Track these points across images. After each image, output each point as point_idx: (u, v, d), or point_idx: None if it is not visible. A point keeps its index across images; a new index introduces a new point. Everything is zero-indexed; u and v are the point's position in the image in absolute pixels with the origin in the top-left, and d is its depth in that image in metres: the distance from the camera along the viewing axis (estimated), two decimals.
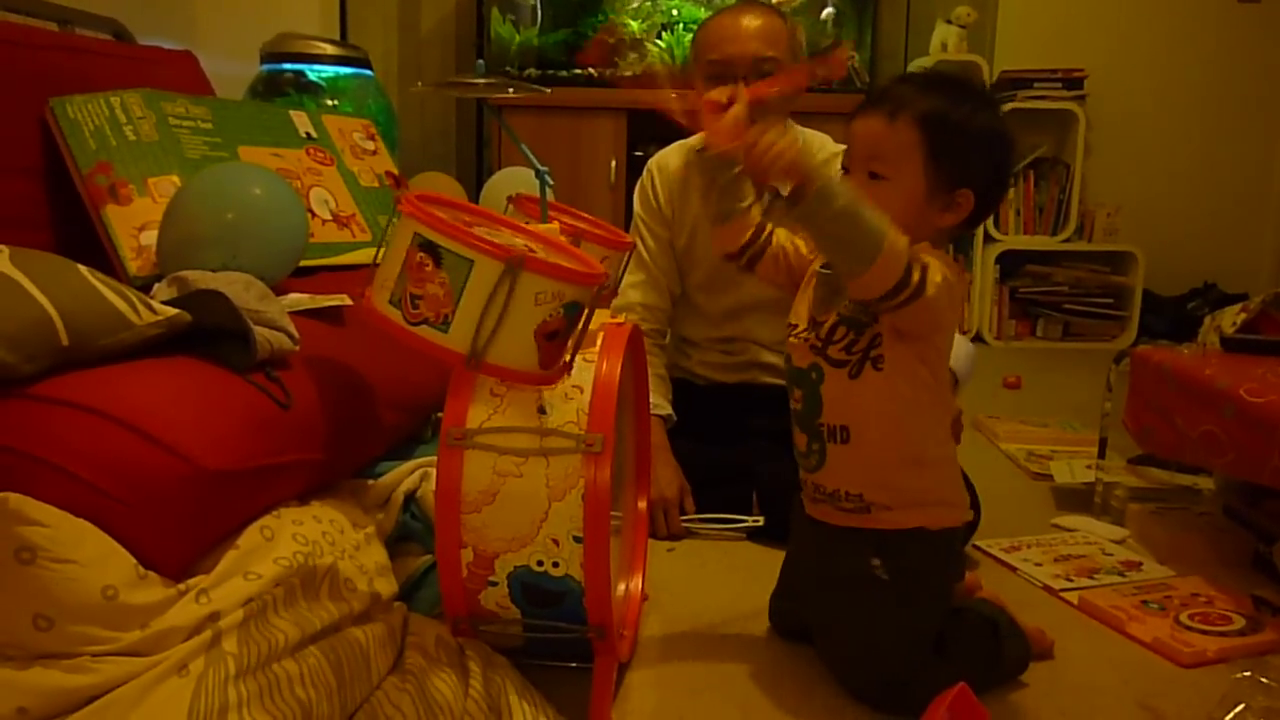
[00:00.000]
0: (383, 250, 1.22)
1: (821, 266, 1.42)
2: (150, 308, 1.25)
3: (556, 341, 1.22)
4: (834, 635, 1.43)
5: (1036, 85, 4.27)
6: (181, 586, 1.12)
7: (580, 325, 1.25)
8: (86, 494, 1.08)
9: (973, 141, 1.33)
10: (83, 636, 1.04)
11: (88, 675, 1.02)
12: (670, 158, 2.17)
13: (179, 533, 1.14)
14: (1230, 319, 2.23)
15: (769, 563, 1.77)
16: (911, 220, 1.29)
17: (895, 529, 1.37)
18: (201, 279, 1.46)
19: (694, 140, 2.14)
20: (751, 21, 1.94)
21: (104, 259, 1.71)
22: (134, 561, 1.09)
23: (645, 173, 2.18)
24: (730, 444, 2.09)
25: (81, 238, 1.75)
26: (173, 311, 1.27)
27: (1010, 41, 4.43)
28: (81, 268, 1.23)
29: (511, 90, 1.58)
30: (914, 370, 1.34)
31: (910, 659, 1.36)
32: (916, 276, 1.23)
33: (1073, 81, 4.28)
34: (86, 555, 1.05)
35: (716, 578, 1.80)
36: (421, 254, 1.16)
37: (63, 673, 1.02)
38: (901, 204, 1.30)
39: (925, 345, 1.34)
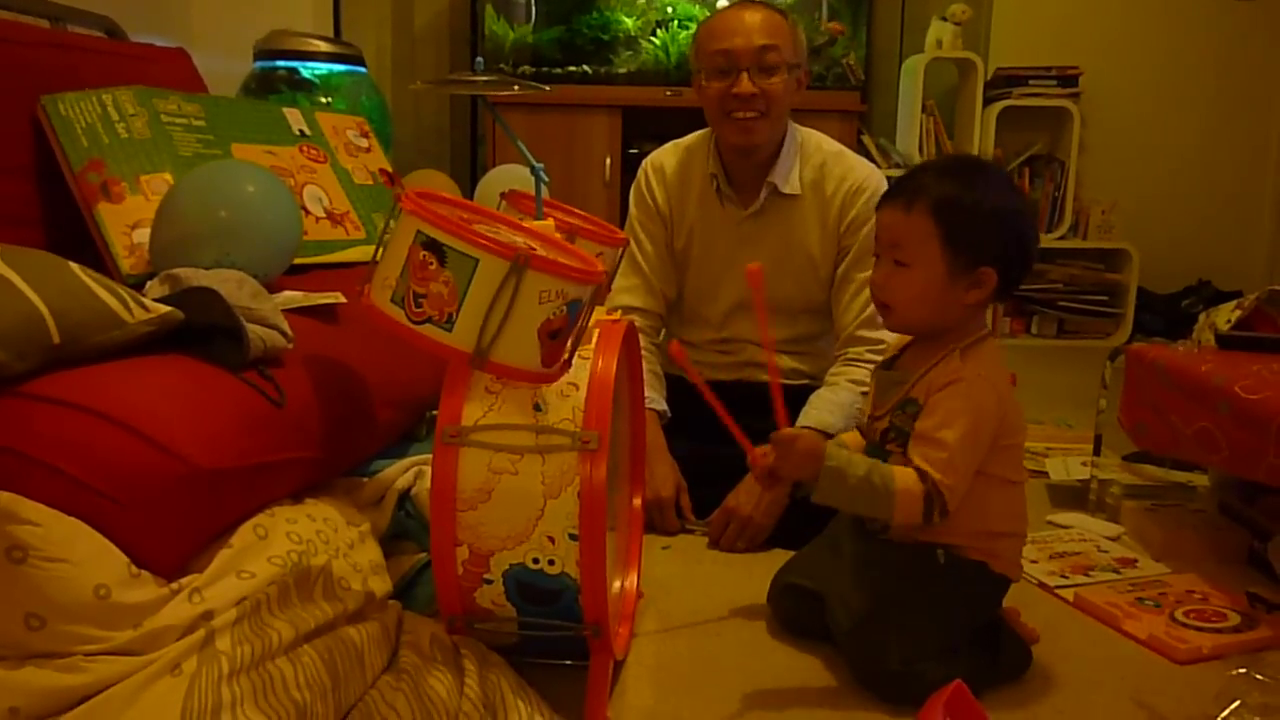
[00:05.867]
0: (382, 248, 1.22)
1: (879, 365, 1.53)
2: (142, 305, 1.25)
3: (559, 339, 1.22)
4: (871, 609, 1.42)
5: (1031, 82, 4.28)
6: (174, 585, 1.12)
7: (580, 323, 1.25)
8: (78, 492, 1.07)
9: (986, 223, 1.38)
10: (75, 636, 1.03)
11: (80, 675, 1.02)
12: (665, 157, 2.15)
13: (172, 531, 1.14)
14: (1225, 316, 2.23)
15: (765, 560, 1.78)
16: (936, 301, 1.40)
17: (961, 556, 1.43)
18: (194, 276, 1.45)
19: (687, 139, 2.15)
20: (753, 15, 1.95)
21: (96, 257, 1.71)
22: (126, 560, 1.08)
23: (640, 173, 2.16)
24: (726, 442, 2.08)
25: (74, 236, 1.74)
26: (165, 309, 1.27)
27: (1005, 39, 4.43)
28: (73, 265, 1.22)
29: (517, 88, 1.57)
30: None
31: (933, 644, 1.37)
32: (938, 503, 1.34)
33: (1067, 79, 4.29)
34: (78, 554, 1.04)
35: (712, 575, 1.80)
36: (425, 252, 1.15)
37: (55, 672, 1.01)
38: (924, 287, 1.40)
39: None
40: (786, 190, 2.03)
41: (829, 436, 1.65)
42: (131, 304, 1.23)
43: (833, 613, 1.47)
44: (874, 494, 1.34)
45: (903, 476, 1.35)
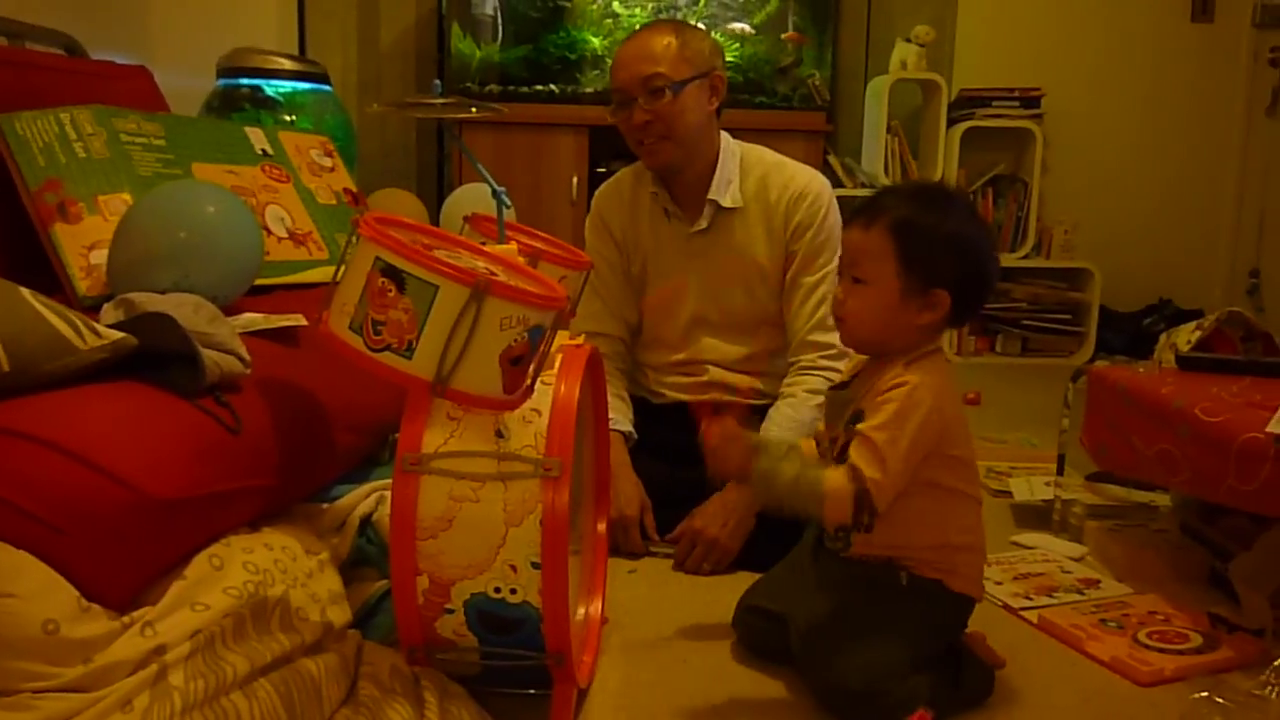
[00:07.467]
0: (341, 270, 1.20)
1: (833, 387, 1.53)
2: (95, 331, 1.22)
3: (520, 366, 1.21)
4: (833, 630, 1.42)
5: (994, 104, 4.32)
6: (126, 619, 1.09)
7: (543, 348, 1.24)
8: (25, 524, 1.05)
9: (941, 245, 1.40)
10: (22, 673, 1.00)
11: (28, 713, 0.99)
12: (616, 184, 2.18)
13: (123, 563, 1.11)
14: (1185, 337, 2.25)
15: (732, 583, 1.77)
16: (889, 319, 1.41)
17: (919, 575, 1.44)
18: (149, 301, 1.43)
19: (637, 164, 2.15)
20: (638, 44, 1.99)
21: (53, 279, 1.68)
22: (76, 594, 1.06)
23: (594, 201, 2.20)
24: (692, 462, 2.07)
25: (29, 257, 1.71)
26: (118, 335, 1.24)
27: (969, 60, 4.47)
28: (24, 291, 1.20)
29: (474, 110, 1.57)
30: (922, 472, 1.39)
31: (895, 663, 1.36)
32: (867, 503, 1.32)
33: (1030, 100, 4.34)
34: (26, 588, 1.01)
35: (678, 599, 1.79)
36: (384, 279, 1.14)
37: (1, 711, 0.99)
38: (879, 305, 1.41)
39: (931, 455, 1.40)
40: (728, 204, 2.05)
41: None
42: (84, 330, 1.21)
43: (794, 633, 1.47)
44: (803, 496, 1.34)
45: (833, 477, 1.34)
